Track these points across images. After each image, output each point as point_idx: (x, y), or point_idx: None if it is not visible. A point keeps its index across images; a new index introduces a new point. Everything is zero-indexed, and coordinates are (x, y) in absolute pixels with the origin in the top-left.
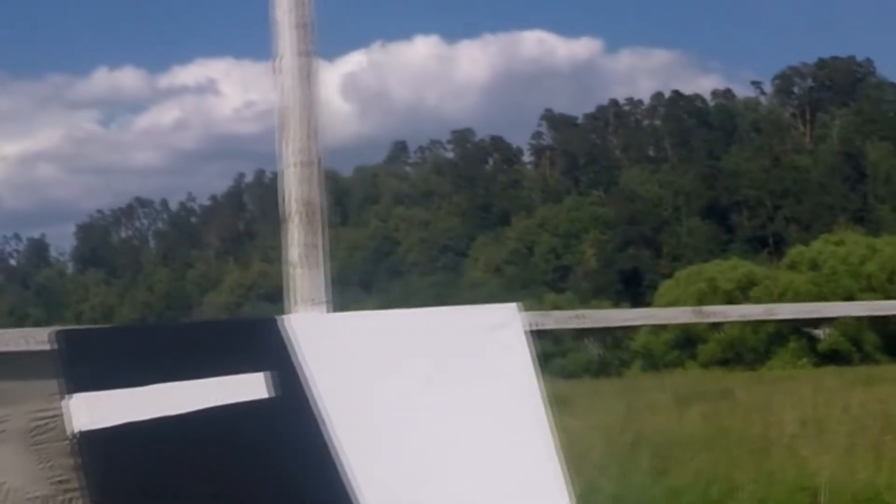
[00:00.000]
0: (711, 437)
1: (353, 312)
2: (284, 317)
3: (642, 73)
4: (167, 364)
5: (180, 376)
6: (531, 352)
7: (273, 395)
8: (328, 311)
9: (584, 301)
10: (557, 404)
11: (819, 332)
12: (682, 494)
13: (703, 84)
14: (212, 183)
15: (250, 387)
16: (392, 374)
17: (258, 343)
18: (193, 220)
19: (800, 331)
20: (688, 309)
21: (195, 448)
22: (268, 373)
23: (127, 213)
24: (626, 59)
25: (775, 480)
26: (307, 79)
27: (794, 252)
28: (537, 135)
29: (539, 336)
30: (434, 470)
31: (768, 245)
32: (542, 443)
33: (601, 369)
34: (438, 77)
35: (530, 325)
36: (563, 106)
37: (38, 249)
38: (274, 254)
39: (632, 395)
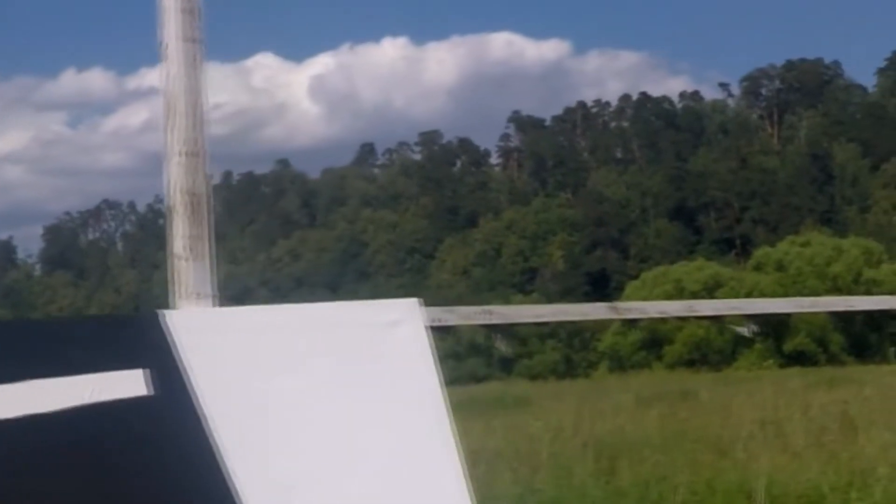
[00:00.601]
0: (667, 438)
1: (240, 307)
2: (166, 312)
3: (611, 75)
4: (37, 360)
5: (51, 373)
6: (431, 348)
7: (152, 392)
8: (214, 306)
9: (552, 303)
10: (518, 405)
11: (744, 330)
12: (624, 496)
13: (671, 85)
14: None
15: (128, 384)
16: (282, 371)
17: (138, 339)
18: (161, 221)
19: (765, 331)
20: (603, 305)
21: (66, 447)
22: (147, 370)
23: (95, 214)
24: (594, 61)
25: (717, 483)
26: (193, 66)
27: (761, 253)
28: (505, 137)
29: (513, 337)
30: (326, 470)
31: (735, 246)
32: (441, 442)
33: (568, 370)
34: (407, 79)
35: (433, 320)
36: (531, 108)
37: (6, 251)
38: (242, 255)
39: (594, 396)
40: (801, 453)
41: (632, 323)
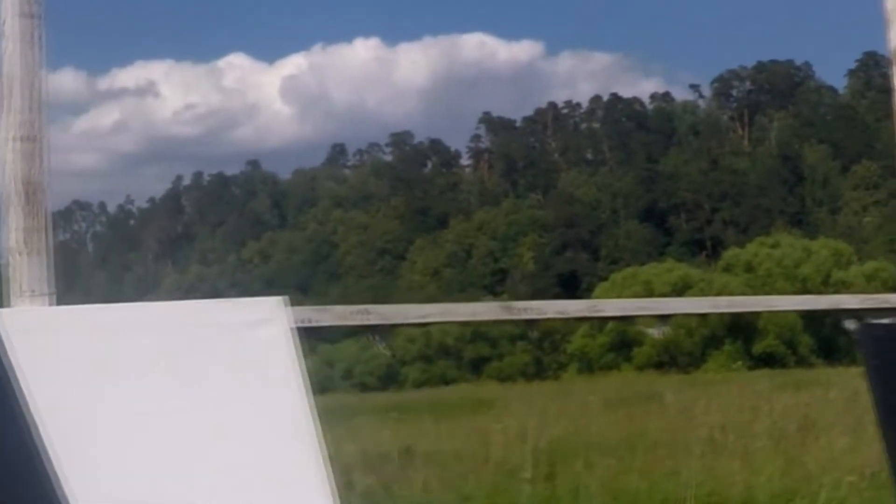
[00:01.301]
0: (622, 442)
1: (82, 306)
2: None
3: (583, 76)
4: None
5: None
6: (297, 350)
7: None
8: (51, 304)
9: None
10: (482, 408)
11: (654, 332)
12: (553, 502)
13: (644, 87)
14: (151, 185)
15: None
16: (125, 375)
17: None
18: (132, 223)
19: (735, 333)
20: (496, 304)
21: None
22: None
23: (65, 216)
24: (566, 62)
25: (655, 489)
26: (31, 43)
27: (730, 254)
28: (475, 138)
29: (478, 338)
30: (172, 482)
31: (706, 248)
32: (303, 450)
33: (538, 372)
34: (378, 80)
35: (302, 320)
36: (503, 109)
37: None
38: (212, 256)
39: (559, 398)
40: (754, 458)
41: (529, 324)
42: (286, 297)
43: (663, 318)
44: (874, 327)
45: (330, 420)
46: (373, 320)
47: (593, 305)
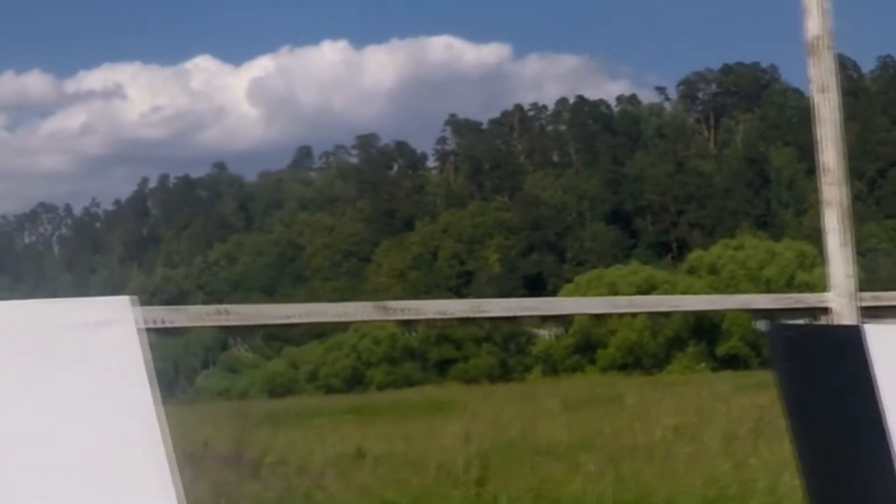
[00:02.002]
0: (570, 445)
1: None
2: None
3: (550, 79)
4: None
5: None
6: (145, 352)
7: None
8: None
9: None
10: (441, 411)
11: (544, 333)
12: None
13: (611, 89)
14: (118, 188)
15: None
16: None
17: None
18: (97, 225)
19: (699, 335)
20: (369, 304)
21: None
22: None
23: (31, 218)
24: (534, 65)
25: (585, 495)
26: None
27: (694, 257)
28: (442, 140)
29: (443, 340)
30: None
31: (672, 250)
32: (148, 456)
33: (503, 374)
34: (346, 82)
35: (154, 321)
36: (470, 111)
37: None
38: (178, 258)
39: (520, 401)
40: (699, 462)
41: (406, 325)
42: (135, 297)
43: (555, 320)
44: (785, 328)
45: (285, 423)
46: (232, 321)
47: (477, 306)
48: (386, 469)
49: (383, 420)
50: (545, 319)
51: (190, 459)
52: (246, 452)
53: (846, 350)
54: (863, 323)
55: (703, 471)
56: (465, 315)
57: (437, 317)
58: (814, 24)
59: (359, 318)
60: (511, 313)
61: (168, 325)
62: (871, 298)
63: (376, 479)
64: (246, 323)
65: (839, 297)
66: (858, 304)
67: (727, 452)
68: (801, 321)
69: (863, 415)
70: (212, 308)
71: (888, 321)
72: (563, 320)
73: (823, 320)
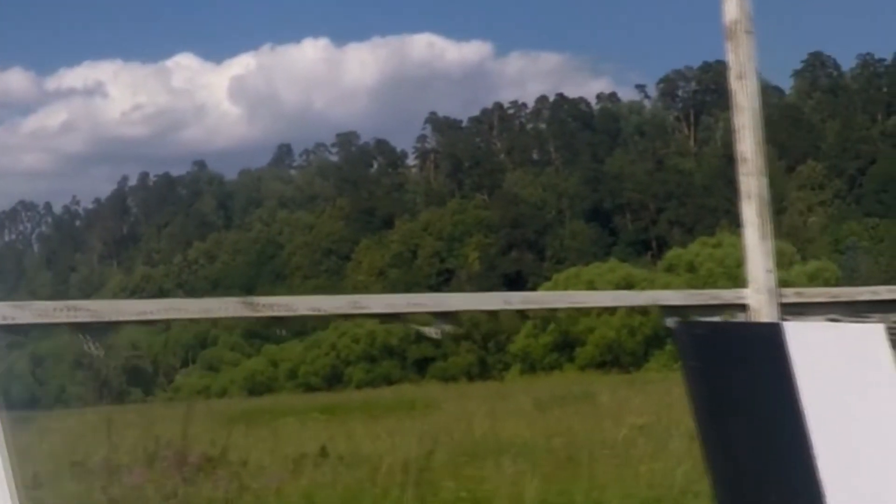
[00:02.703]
0: (534, 445)
1: None
2: None
3: (532, 77)
4: None
5: None
6: None
7: None
8: None
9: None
10: (413, 409)
11: (431, 331)
12: None
13: (593, 87)
14: (99, 186)
15: None
16: None
17: None
18: (77, 223)
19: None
20: (234, 300)
21: None
22: None
23: (11, 216)
24: (516, 63)
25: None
26: None
27: (672, 255)
28: (422, 138)
29: (422, 338)
30: None
31: (651, 248)
32: None
33: (481, 373)
34: (327, 80)
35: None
36: (451, 110)
37: None
38: (158, 257)
39: (495, 399)
40: (657, 461)
41: (278, 323)
42: None
43: (444, 316)
44: (694, 325)
45: (256, 421)
46: (82, 318)
47: (355, 301)
48: (344, 469)
49: (354, 419)
50: (436, 316)
51: (147, 459)
52: (205, 451)
53: (764, 349)
54: (783, 320)
55: (658, 470)
56: (341, 312)
57: (310, 313)
58: (731, 7)
59: (221, 314)
60: (393, 310)
61: (11, 321)
62: (795, 295)
63: (329, 480)
64: (98, 320)
65: (758, 294)
66: (779, 301)
67: (691, 451)
68: (716, 318)
69: (782, 417)
70: (60, 304)
71: (814, 318)
72: (455, 318)
73: (741, 318)
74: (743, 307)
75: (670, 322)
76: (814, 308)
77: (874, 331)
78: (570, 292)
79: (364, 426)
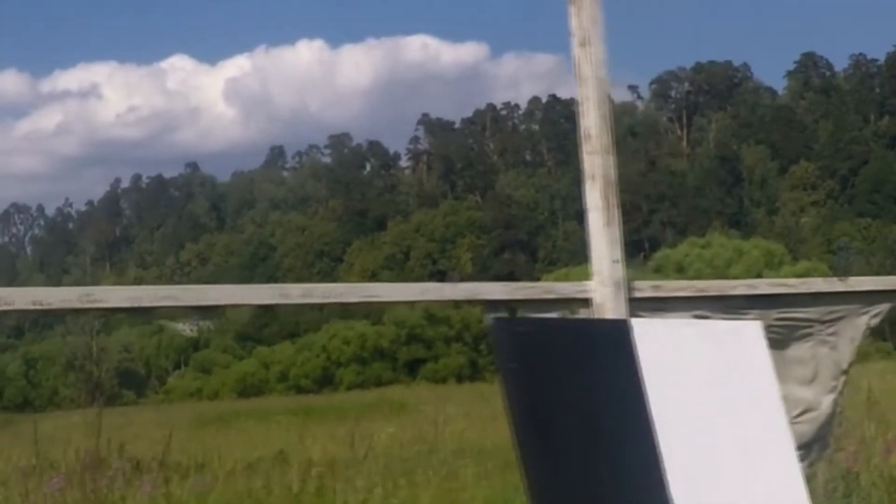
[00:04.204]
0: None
1: None
2: None
3: (526, 78)
4: None
5: None
6: None
7: None
8: None
9: (459, 307)
10: (392, 411)
11: (184, 327)
12: None
13: None
14: (93, 188)
15: None
16: None
17: None
18: (70, 225)
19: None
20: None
21: None
22: None
23: (3, 219)
24: (510, 64)
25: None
26: None
27: (661, 255)
28: (414, 139)
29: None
30: None
31: (644, 249)
32: None
33: (472, 374)
34: (322, 82)
35: None
36: (445, 111)
37: None
38: (150, 259)
39: (479, 401)
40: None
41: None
42: None
43: (201, 312)
44: (514, 323)
45: (231, 424)
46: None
47: (86, 294)
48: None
49: (330, 422)
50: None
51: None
52: (137, 456)
53: (607, 349)
54: (632, 317)
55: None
56: (70, 306)
57: (31, 308)
58: None
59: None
60: (135, 303)
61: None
62: (651, 288)
63: (272, 483)
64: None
65: (603, 287)
66: (628, 295)
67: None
68: (552, 314)
69: (626, 425)
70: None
71: (675, 315)
72: (213, 312)
73: (584, 314)
74: (585, 302)
75: (488, 318)
76: (679, 303)
77: (749, 328)
78: (367, 284)
79: (336, 429)
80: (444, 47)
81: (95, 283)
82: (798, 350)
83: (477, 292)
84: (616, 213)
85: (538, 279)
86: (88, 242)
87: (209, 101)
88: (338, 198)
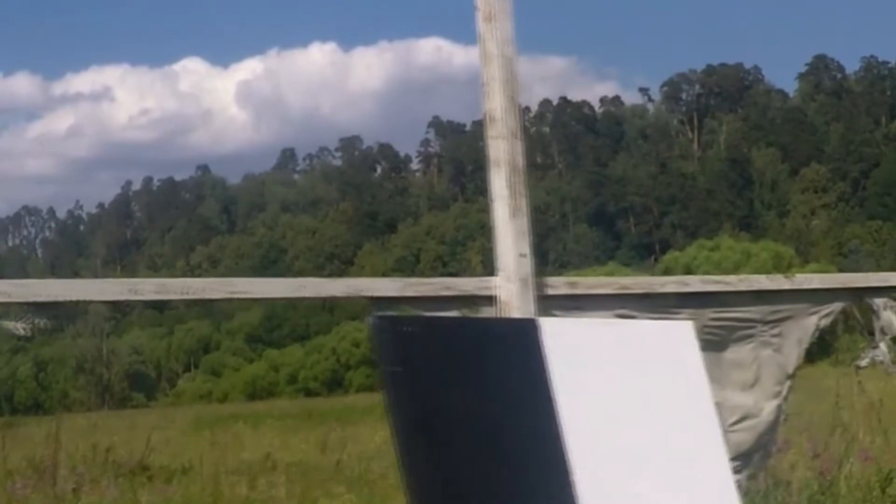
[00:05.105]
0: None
1: None
2: None
3: (539, 81)
4: None
5: None
6: None
7: None
8: None
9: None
10: (353, 416)
11: (12, 327)
12: None
13: (599, 90)
14: (105, 191)
15: None
16: None
17: None
18: (81, 228)
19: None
20: None
21: None
22: None
23: (14, 221)
24: (522, 66)
25: None
26: None
27: (669, 258)
28: (425, 142)
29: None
30: None
31: (654, 251)
32: None
33: None
34: (334, 85)
35: None
36: (456, 114)
37: None
38: (161, 261)
39: None
40: None
41: None
42: None
43: (41, 309)
44: (399, 322)
45: (231, 427)
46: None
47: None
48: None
49: (303, 426)
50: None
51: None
52: (143, 460)
53: (511, 351)
54: (543, 316)
55: None
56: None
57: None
58: None
59: None
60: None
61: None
62: (566, 285)
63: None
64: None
65: (508, 283)
66: (539, 293)
67: None
68: (451, 313)
69: (533, 432)
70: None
71: (594, 315)
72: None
73: (488, 313)
74: (490, 300)
75: (369, 318)
76: (600, 302)
77: (678, 329)
78: (231, 279)
79: (321, 434)
80: (456, 50)
81: None
82: (737, 352)
83: (361, 288)
84: (524, 203)
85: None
86: (99, 245)
87: (221, 103)
88: (348, 200)
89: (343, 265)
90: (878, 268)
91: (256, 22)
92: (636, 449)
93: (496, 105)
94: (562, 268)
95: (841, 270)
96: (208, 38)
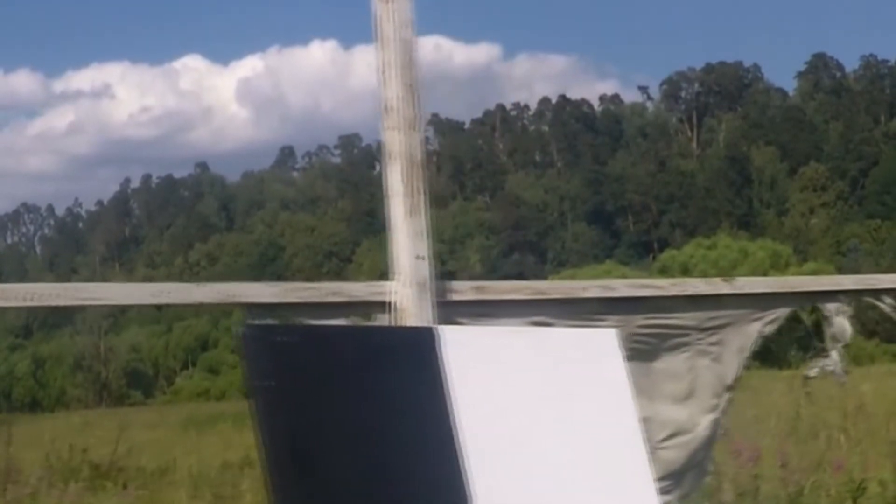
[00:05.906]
0: None
1: None
2: None
3: (539, 79)
4: None
5: None
6: None
7: None
8: None
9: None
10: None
11: None
12: None
13: (600, 89)
14: (105, 188)
15: None
16: None
17: None
18: (80, 225)
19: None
20: None
21: None
22: None
23: (13, 218)
24: (523, 65)
25: None
26: None
27: (666, 256)
28: (423, 140)
29: None
30: None
31: (653, 250)
32: None
33: None
34: (335, 82)
35: None
36: (455, 111)
37: None
38: (159, 259)
39: None
40: None
41: None
42: None
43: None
44: (273, 331)
45: (221, 426)
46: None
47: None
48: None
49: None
50: None
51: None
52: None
53: (404, 363)
54: (444, 323)
55: None
56: None
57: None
58: None
59: None
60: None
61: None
62: (473, 290)
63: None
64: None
65: (405, 288)
66: (438, 298)
67: None
68: (339, 321)
69: (427, 450)
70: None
71: (505, 322)
72: None
73: (382, 320)
74: (383, 306)
75: (237, 327)
76: (513, 308)
77: (600, 337)
78: (84, 284)
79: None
80: (457, 48)
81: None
82: (670, 362)
83: (233, 294)
84: (421, 201)
85: (546, 280)
86: (98, 242)
87: (222, 101)
88: (347, 198)
89: (342, 263)
90: (878, 267)
91: (257, 19)
92: (547, 467)
93: (392, 93)
94: (560, 266)
95: (839, 269)
96: (209, 36)
